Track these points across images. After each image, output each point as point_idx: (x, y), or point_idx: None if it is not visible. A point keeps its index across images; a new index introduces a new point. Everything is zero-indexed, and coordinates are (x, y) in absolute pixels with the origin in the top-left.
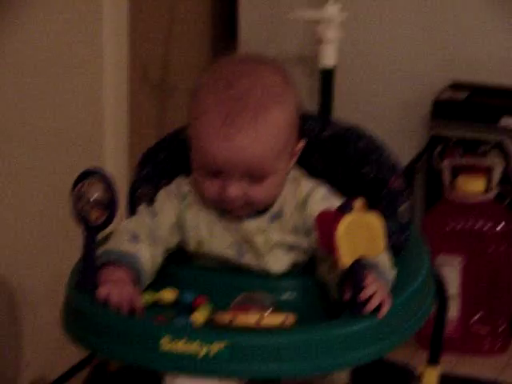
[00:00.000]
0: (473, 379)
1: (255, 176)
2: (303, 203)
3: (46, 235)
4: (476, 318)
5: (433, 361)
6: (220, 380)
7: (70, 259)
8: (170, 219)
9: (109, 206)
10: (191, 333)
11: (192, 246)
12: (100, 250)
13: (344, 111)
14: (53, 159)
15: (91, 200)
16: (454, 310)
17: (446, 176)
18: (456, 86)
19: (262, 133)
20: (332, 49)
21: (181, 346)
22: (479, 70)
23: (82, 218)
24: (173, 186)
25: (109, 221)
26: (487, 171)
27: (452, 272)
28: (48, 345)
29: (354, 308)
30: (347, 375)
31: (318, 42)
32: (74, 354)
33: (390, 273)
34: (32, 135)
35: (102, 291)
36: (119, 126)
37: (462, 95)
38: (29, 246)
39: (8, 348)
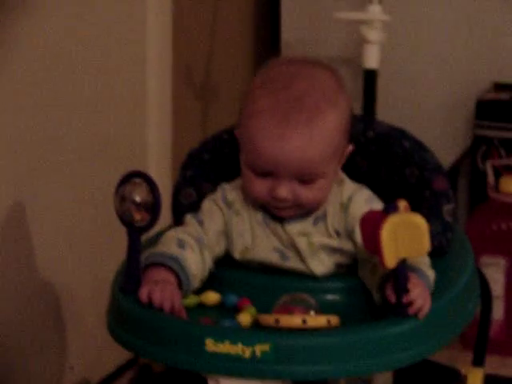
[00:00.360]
0: None
1: (306, 178)
2: (346, 206)
3: (91, 237)
4: None
5: (477, 362)
6: (263, 382)
7: (115, 261)
8: (217, 227)
9: (152, 207)
10: (237, 334)
11: (238, 253)
12: (145, 254)
13: (387, 112)
14: (97, 162)
15: (134, 202)
16: (498, 312)
17: (490, 177)
18: (499, 87)
19: (316, 136)
20: (375, 50)
21: (226, 348)
22: None
23: (125, 220)
24: (218, 194)
25: (152, 222)
26: None
27: (496, 273)
28: (92, 347)
29: (398, 309)
30: (390, 376)
31: (361, 42)
32: (118, 356)
33: (430, 274)
34: (75, 139)
35: (144, 291)
36: (163, 128)
37: (505, 96)
38: (73, 248)
39: (52, 350)
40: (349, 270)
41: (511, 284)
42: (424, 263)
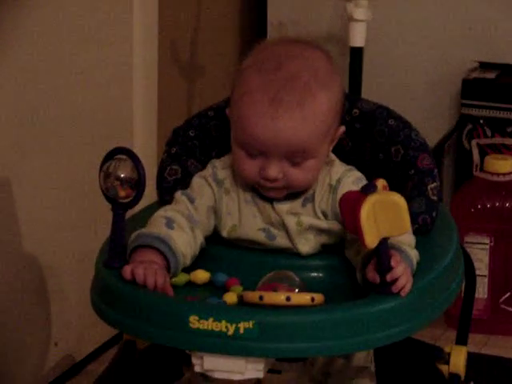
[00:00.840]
0: (501, 359)
1: (296, 159)
2: (334, 187)
3: (75, 213)
4: (504, 298)
5: (460, 340)
6: (247, 359)
7: (99, 237)
8: (208, 203)
9: (136, 184)
10: (220, 311)
11: (226, 231)
12: (134, 234)
13: (373, 91)
14: (82, 138)
15: (119, 178)
16: (482, 290)
17: (475, 155)
18: (485, 66)
19: (308, 117)
20: (361, 27)
21: (210, 325)
22: (507, 51)
23: (110, 196)
24: (209, 171)
25: (137, 199)
26: None
27: (481, 252)
28: (77, 324)
29: (382, 288)
30: (371, 352)
31: (348, 20)
32: (102, 332)
33: (413, 254)
34: (62, 115)
35: (127, 268)
36: (148, 105)
37: (491, 75)
38: (58, 225)
39: (37, 327)
40: (332, 249)
41: (495, 263)
42: (405, 243)
